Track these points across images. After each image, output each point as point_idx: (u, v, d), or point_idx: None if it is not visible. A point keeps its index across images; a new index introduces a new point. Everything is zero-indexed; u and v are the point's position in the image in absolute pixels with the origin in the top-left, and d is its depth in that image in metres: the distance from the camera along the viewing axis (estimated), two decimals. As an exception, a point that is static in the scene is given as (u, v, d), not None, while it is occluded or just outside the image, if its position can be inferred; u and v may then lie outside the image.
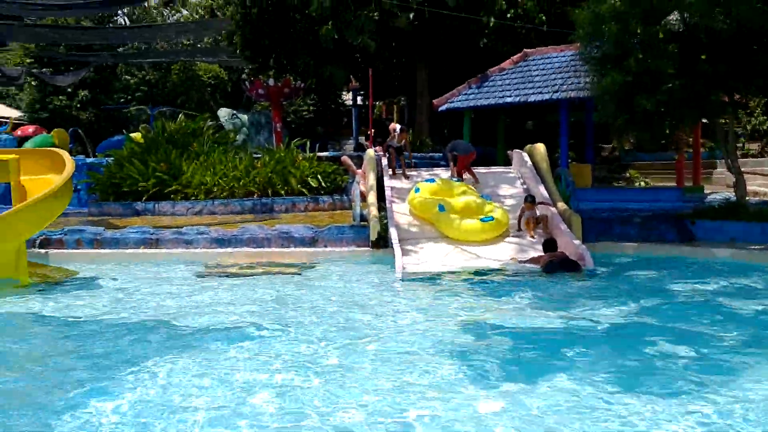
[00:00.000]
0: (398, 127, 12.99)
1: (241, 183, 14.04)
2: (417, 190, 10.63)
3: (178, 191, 13.98)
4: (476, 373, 4.48)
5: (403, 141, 12.70)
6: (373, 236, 9.70)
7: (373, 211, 10.11)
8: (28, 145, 20.58)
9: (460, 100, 16.15)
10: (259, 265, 8.96)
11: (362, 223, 10.54)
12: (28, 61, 35.70)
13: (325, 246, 9.84)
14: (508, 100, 15.27)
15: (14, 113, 36.36)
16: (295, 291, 7.38)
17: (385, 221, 10.04)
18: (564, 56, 15.42)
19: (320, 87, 21.68)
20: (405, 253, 8.98)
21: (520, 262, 8.75)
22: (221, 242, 9.97)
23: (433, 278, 8.12)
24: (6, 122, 27.15)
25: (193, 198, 13.90)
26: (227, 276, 8.30)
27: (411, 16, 16.76)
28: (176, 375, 4.52)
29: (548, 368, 4.58)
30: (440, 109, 16.59)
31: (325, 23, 17.17)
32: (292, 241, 9.89)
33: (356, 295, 7.22)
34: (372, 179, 11.09)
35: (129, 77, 36.78)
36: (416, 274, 8.28)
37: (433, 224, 9.99)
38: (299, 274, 8.38)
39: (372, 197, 10.54)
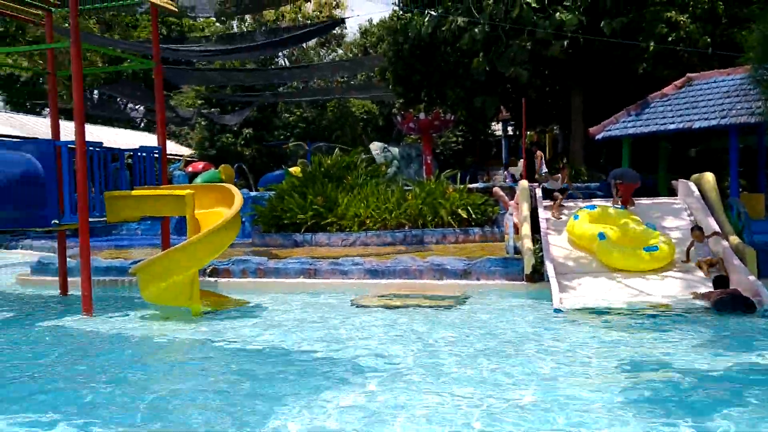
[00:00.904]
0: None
1: (392, 215, 14.28)
2: (576, 217, 10.29)
3: (333, 223, 14.46)
4: (644, 419, 4.20)
5: (565, 179, 12.34)
6: (528, 269, 9.47)
7: (527, 243, 9.88)
8: (198, 180, 22.20)
9: (618, 128, 15.54)
10: (412, 297, 9.01)
11: (516, 255, 10.34)
12: (198, 102, 38.68)
13: (478, 279, 9.73)
14: (671, 126, 14.48)
15: (186, 151, 39.40)
16: (448, 324, 7.33)
17: (540, 254, 9.77)
18: (732, 80, 14.46)
19: (470, 118, 21.72)
20: (562, 287, 8.68)
21: (694, 296, 8.18)
22: (375, 273, 10.14)
23: (593, 313, 7.77)
24: (179, 159, 29.45)
25: (347, 229, 14.32)
26: (382, 307, 8.41)
27: (565, 44, 16.42)
28: (335, 405, 4.60)
29: (722, 413, 4.21)
30: (597, 137, 16.04)
31: (476, 56, 17.24)
32: (444, 273, 9.87)
33: (511, 329, 7.06)
34: (525, 210, 10.87)
35: (288, 115, 38.80)
36: (574, 310, 7.96)
37: (592, 253, 9.61)
38: (452, 307, 8.33)
39: (526, 229, 10.32)
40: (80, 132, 8.24)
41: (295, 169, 21.48)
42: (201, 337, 7.16)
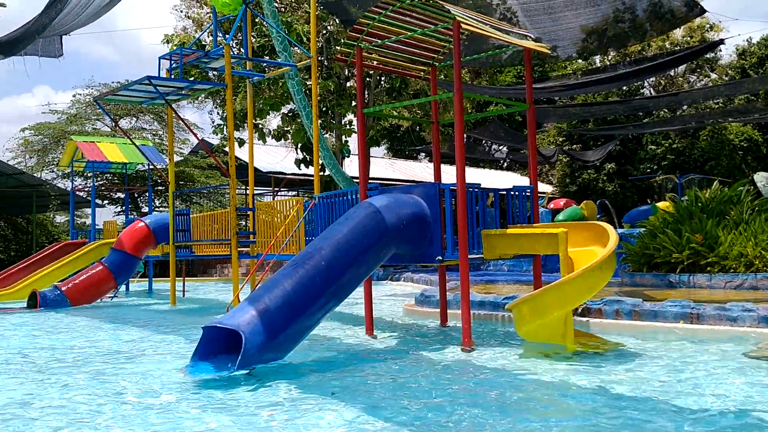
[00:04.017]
0: None
1: (788, 255, 12.50)
2: None
3: (714, 263, 13.19)
4: None
5: None
6: None
7: None
8: (560, 217, 22.29)
9: None
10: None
11: None
12: (560, 139, 39.02)
13: None
14: None
15: (547, 188, 39.97)
16: None
17: None
18: None
19: None
20: None
21: None
22: (771, 322, 8.91)
23: None
24: (542, 197, 29.95)
25: (731, 270, 12.93)
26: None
27: None
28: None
29: None
30: None
31: None
32: None
33: None
34: None
35: (655, 147, 36.94)
36: None
37: None
38: None
39: None
40: (461, 174, 8.87)
41: (664, 204, 20.26)
42: (574, 378, 7.04)
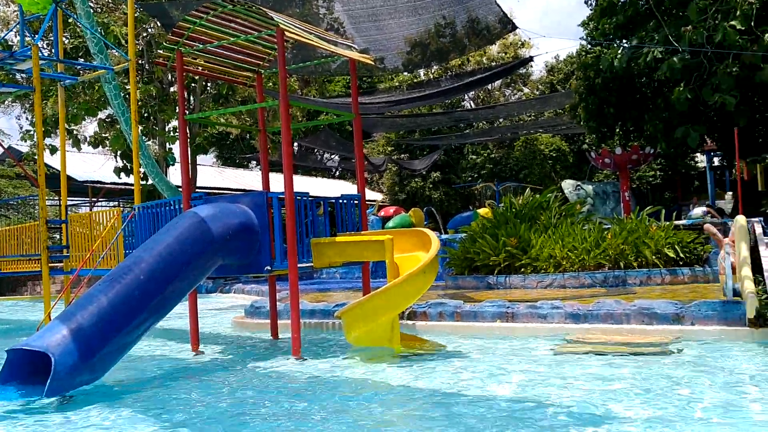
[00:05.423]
0: None
1: (590, 255, 13.69)
2: None
3: (528, 265, 14.15)
4: None
5: None
6: (751, 314, 8.54)
7: (749, 285, 8.97)
8: (389, 224, 22.90)
9: None
10: (618, 344, 8.49)
11: (735, 298, 9.41)
12: (389, 149, 40.12)
13: (692, 324, 8.96)
14: None
15: (378, 196, 40.90)
16: (661, 375, 6.78)
17: (765, 296, 8.82)
18: None
19: (670, 151, 20.43)
20: (795, 334, 7.74)
21: None
22: (576, 317, 9.70)
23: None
24: (372, 205, 30.61)
25: (542, 271, 13.94)
26: (584, 354, 8.00)
27: (777, 65, 14.97)
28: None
29: None
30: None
31: (676, 85, 16.26)
32: (654, 318, 9.20)
33: (740, 382, 6.37)
34: (744, 249, 9.91)
35: (475, 156, 39.06)
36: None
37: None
38: (665, 355, 7.72)
39: (746, 270, 9.39)
40: (289, 183, 8.80)
41: (484, 210, 21.47)
42: (404, 380, 7.23)
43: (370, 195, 39.60)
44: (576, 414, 5.48)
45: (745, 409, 5.48)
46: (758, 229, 11.20)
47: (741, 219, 10.97)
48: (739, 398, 5.81)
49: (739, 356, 7.59)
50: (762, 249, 10.39)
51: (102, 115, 25.51)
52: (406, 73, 37.41)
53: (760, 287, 9.08)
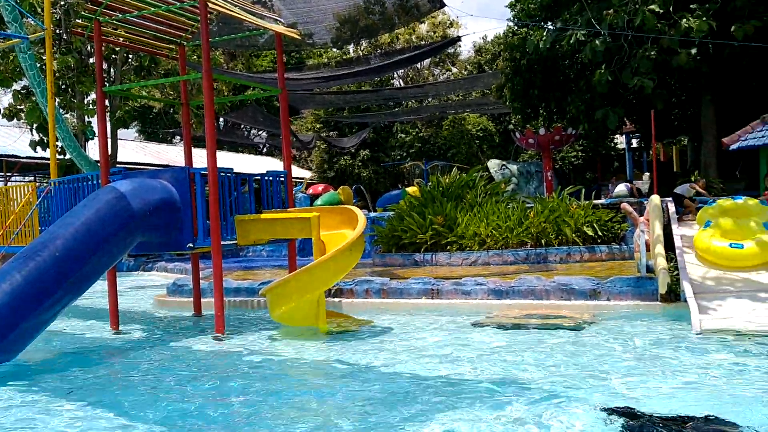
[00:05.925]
0: None
1: (514, 233, 13.99)
2: (708, 223, 9.95)
3: (453, 242, 14.35)
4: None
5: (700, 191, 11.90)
6: (662, 289, 8.95)
7: (661, 262, 9.37)
8: (318, 202, 22.76)
9: (755, 137, 14.56)
10: (537, 318, 8.74)
11: (649, 274, 9.82)
12: (318, 126, 39.77)
13: (608, 299, 9.31)
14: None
15: (306, 174, 40.55)
16: (575, 346, 7.04)
17: (676, 273, 9.24)
18: None
19: (591, 132, 21.03)
20: (701, 308, 8.14)
21: None
22: (498, 293, 9.93)
23: (738, 337, 7.22)
24: (301, 182, 30.36)
25: (467, 249, 14.16)
26: (504, 328, 8.22)
27: (693, 51, 15.56)
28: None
29: None
30: (731, 147, 15.08)
31: (598, 67, 16.70)
32: (572, 294, 9.52)
33: (647, 354, 6.67)
34: (658, 228, 10.33)
35: (404, 135, 39.15)
36: (717, 332, 7.43)
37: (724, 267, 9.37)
38: (580, 328, 8.01)
39: (659, 248, 9.79)
40: (212, 159, 8.62)
41: (412, 189, 21.60)
42: (328, 357, 7.25)
43: (299, 172, 39.29)
44: (493, 384, 5.63)
45: (650, 374, 5.74)
46: (671, 208, 11.69)
47: (655, 199, 11.42)
48: (645, 364, 6.09)
49: (649, 328, 7.94)
50: (675, 228, 10.86)
51: (17, 86, 24.31)
52: (335, 50, 37.14)
53: (671, 264, 9.49)
